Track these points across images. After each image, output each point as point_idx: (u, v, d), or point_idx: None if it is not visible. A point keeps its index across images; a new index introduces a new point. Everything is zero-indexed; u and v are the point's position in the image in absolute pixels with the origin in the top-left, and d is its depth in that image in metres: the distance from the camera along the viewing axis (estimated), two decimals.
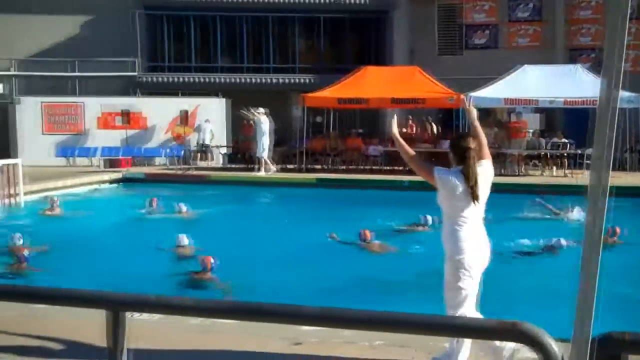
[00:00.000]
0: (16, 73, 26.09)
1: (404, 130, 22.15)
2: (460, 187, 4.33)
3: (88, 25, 26.48)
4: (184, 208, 13.75)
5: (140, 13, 26.29)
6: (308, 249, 10.34)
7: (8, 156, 19.66)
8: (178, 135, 23.93)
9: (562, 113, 23.37)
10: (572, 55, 25.31)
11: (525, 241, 10.53)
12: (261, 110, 20.22)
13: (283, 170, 20.67)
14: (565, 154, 19.81)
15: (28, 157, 18.78)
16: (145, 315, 4.77)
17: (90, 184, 18.80)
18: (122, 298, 3.02)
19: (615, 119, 2.11)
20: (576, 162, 19.15)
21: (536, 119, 23.34)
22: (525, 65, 20.75)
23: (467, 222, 4.34)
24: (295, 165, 21.28)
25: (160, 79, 26.66)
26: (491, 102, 20.05)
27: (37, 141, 23.35)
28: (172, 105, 24.31)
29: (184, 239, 10.06)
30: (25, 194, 15.39)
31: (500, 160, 19.57)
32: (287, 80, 26.93)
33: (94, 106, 24.06)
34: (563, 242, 9.82)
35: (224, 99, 24.42)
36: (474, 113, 4.84)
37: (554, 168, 19.74)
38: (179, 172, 20.84)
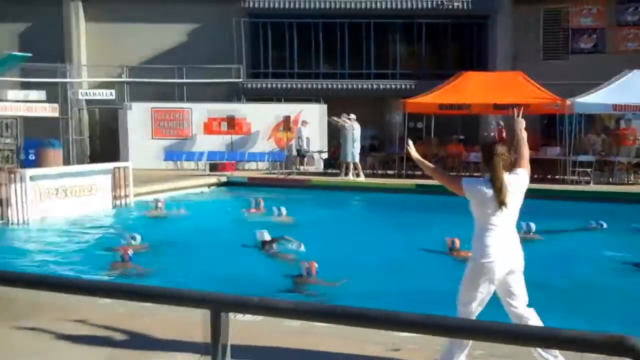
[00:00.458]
0: (127, 80, 27.20)
1: (492, 134, 21.73)
2: (488, 194, 4.48)
3: (194, 34, 27.44)
4: (284, 211, 14.03)
5: (245, 21, 26.94)
6: (405, 255, 10.33)
7: (119, 160, 20.55)
8: (280, 140, 24.32)
9: None
10: None
11: None
12: (353, 116, 20.28)
13: (382, 176, 20.62)
14: None
15: (137, 161, 19.46)
16: (247, 316, 4.90)
17: (196, 187, 19.43)
18: (225, 299, 3.08)
19: None
20: None
21: None
22: (635, 70, 19.81)
23: (496, 229, 4.48)
24: (395, 171, 21.28)
25: (262, 85, 27.20)
26: (598, 108, 19.32)
27: (146, 145, 24.16)
28: (275, 111, 24.71)
29: (264, 234, 10.84)
30: (135, 195, 16.14)
31: (608, 169, 18.93)
32: (386, 87, 26.84)
33: (200, 112, 24.82)
34: None
35: (325, 105, 24.61)
36: (522, 124, 4.92)
37: None
38: (281, 176, 21.21)
